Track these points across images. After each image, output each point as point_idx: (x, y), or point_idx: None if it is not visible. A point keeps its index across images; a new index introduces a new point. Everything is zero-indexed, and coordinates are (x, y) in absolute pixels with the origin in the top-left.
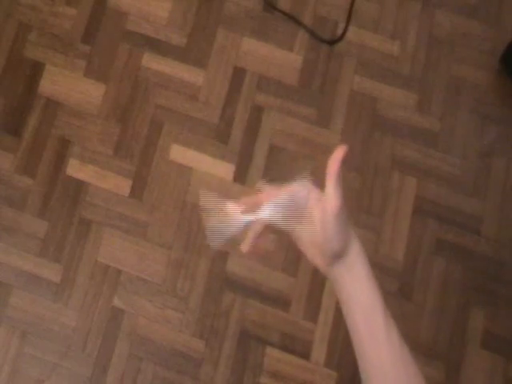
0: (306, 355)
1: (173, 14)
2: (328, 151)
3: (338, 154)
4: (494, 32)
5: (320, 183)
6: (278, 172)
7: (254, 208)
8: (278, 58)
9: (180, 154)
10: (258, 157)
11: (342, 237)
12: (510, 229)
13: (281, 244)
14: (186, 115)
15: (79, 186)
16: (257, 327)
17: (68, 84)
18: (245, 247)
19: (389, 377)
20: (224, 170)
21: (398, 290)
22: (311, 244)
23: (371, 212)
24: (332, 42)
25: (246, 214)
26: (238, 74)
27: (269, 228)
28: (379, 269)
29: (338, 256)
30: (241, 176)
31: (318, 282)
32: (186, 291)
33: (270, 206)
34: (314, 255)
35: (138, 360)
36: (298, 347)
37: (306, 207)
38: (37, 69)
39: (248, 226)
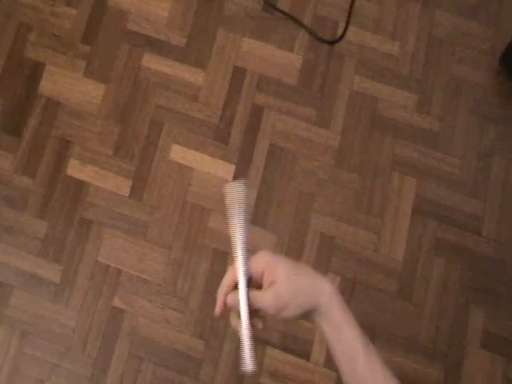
0: (306, 355)
1: (173, 14)
2: (328, 151)
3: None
4: (494, 32)
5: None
6: (278, 172)
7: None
8: (278, 57)
9: (180, 153)
10: (257, 157)
11: (299, 305)
12: (510, 229)
13: (281, 245)
14: (186, 115)
15: (79, 186)
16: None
17: (68, 84)
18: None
19: None
20: (224, 169)
21: (398, 290)
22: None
23: (371, 212)
24: (332, 42)
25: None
26: (238, 73)
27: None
28: (379, 269)
29: (306, 315)
30: (241, 176)
31: None
32: (186, 291)
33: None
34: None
35: (138, 360)
36: (298, 347)
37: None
38: (37, 69)
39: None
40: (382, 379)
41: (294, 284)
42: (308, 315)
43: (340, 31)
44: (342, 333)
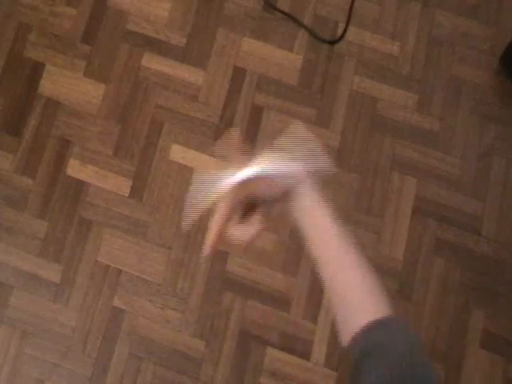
0: (306, 355)
1: (173, 14)
2: (328, 151)
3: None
4: (494, 32)
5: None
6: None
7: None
8: (278, 57)
9: (180, 153)
10: (257, 157)
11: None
12: (510, 229)
13: (281, 244)
14: (186, 115)
15: (79, 186)
16: (257, 327)
17: (68, 84)
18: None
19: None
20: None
21: (398, 291)
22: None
23: (371, 212)
24: (332, 42)
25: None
26: (238, 74)
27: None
28: (379, 269)
29: (286, 194)
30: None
31: (317, 283)
32: (186, 291)
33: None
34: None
35: (138, 360)
36: (298, 347)
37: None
38: (37, 69)
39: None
40: (356, 259)
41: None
42: (287, 196)
43: (340, 31)
44: (314, 217)
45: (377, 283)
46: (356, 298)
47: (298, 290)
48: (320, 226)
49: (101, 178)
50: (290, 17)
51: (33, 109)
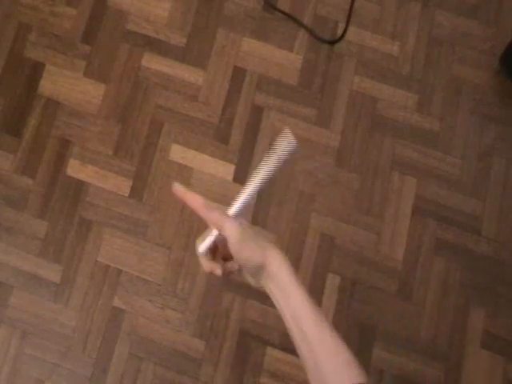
0: None
1: (173, 14)
2: (328, 151)
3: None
4: (494, 32)
5: None
6: (278, 172)
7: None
8: (278, 57)
9: (180, 153)
10: (257, 157)
11: (248, 254)
12: (510, 229)
13: (280, 244)
14: (186, 115)
15: (79, 186)
16: (257, 327)
17: (68, 84)
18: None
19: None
20: (224, 169)
21: (398, 290)
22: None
23: (371, 212)
24: (332, 42)
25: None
26: (238, 74)
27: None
28: (379, 268)
29: (255, 271)
30: (241, 176)
31: (317, 283)
32: (186, 291)
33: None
34: (246, 274)
35: (138, 360)
36: None
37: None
38: (37, 69)
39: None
40: (330, 339)
41: (250, 232)
42: (259, 274)
43: (340, 31)
44: (289, 297)
45: (350, 353)
46: (332, 372)
47: None
48: (296, 306)
49: (101, 178)
50: (290, 17)
51: (33, 109)
